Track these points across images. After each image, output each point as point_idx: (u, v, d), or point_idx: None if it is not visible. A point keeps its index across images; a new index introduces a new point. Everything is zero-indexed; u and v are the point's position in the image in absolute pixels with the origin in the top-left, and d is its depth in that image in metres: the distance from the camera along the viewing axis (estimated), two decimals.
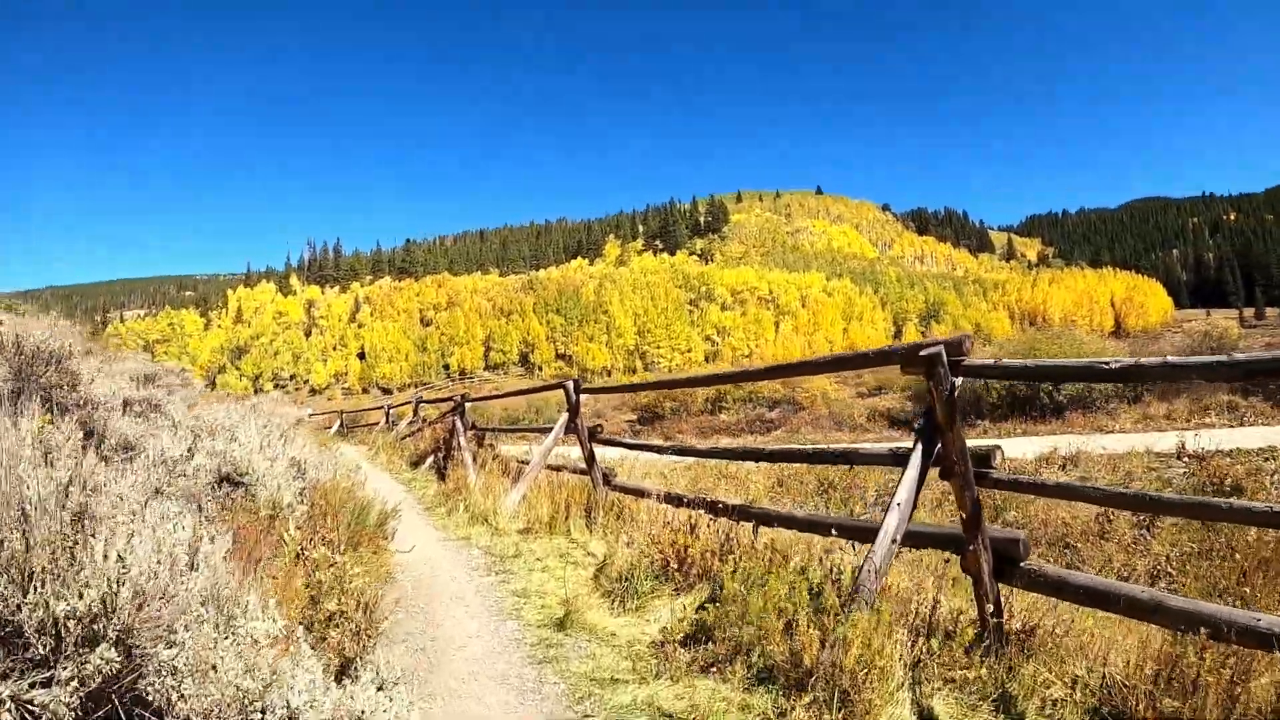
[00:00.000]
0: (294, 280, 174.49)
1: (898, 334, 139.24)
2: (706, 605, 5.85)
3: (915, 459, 5.27)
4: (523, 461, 14.11)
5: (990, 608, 5.02)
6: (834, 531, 6.43)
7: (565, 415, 10.78)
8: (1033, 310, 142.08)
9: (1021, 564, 5.07)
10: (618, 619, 6.30)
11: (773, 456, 7.38)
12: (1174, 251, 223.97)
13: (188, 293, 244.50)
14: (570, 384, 10.69)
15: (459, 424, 15.08)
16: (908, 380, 44.01)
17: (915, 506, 5.31)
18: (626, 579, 6.72)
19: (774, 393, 51.07)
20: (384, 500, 9.22)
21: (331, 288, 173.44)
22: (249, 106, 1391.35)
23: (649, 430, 49.66)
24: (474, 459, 13.76)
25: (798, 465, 16.47)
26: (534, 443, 20.72)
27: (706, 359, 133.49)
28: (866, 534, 5.88)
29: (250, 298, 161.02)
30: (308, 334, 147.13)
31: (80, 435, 5.61)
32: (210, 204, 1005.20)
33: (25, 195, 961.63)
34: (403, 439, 21.68)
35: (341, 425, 36.30)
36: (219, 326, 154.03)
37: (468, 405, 15.91)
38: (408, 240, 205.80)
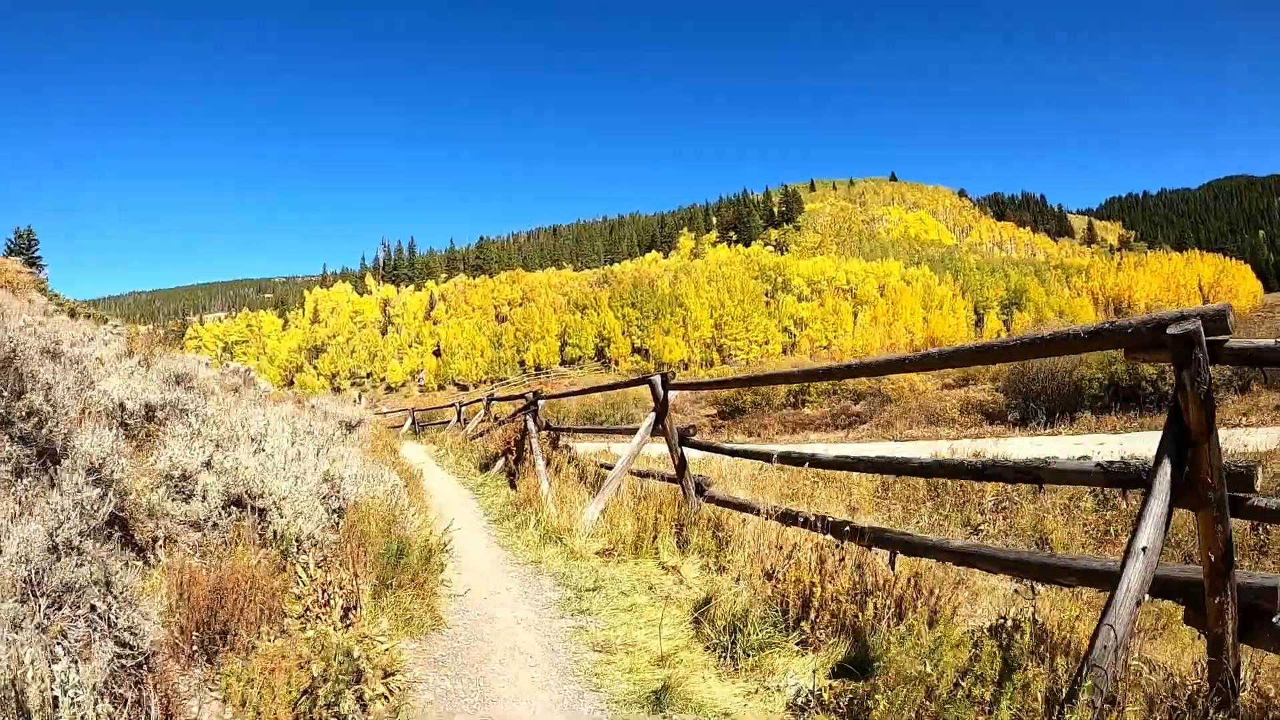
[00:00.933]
0: (369, 280, 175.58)
1: (979, 322, 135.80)
2: (845, 671, 4.40)
3: (1161, 481, 3.66)
4: (603, 465, 12.64)
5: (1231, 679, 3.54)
6: (1006, 570, 4.84)
7: (652, 415, 9.21)
8: (1117, 296, 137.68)
9: (1274, 619, 3.57)
10: (729, 686, 4.78)
11: (927, 470, 5.63)
12: (1260, 232, 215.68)
13: (266, 295, 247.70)
14: (658, 379, 9.11)
15: (530, 424, 13.60)
16: (996, 370, 41.51)
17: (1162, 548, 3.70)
18: (736, 627, 5.22)
19: (858, 385, 49.05)
20: (441, 518, 7.80)
21: (406, 286, 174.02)
22: (322, 108, 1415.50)
23: (730, 425, 48.05)
24: (547, 463, 12.26)
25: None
26: (614, 442, 19.22)
27: (784, 351, 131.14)
28: (1048, 573, 4.47)
29: (326, 298, 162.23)
30: (383, 332, 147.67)
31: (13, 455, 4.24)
32: (287, 207, 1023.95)
33: (106, 201, 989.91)
34: (472, 439, 20.36)
35: (413, 424, 35.29)
36: (296, 327, 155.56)
37: (541, 403, 14.46)
38: (481, 238, 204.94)
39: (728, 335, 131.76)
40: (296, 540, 5.57)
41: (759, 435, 38.60)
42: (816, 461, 6.92)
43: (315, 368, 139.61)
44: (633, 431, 9.94)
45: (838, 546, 5.94)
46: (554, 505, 9.65)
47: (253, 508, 5.83)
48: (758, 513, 7.21)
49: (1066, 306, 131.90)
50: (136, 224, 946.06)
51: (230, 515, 5.75)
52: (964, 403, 42.63)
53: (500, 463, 15.20)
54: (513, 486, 13.06)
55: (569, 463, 12.66)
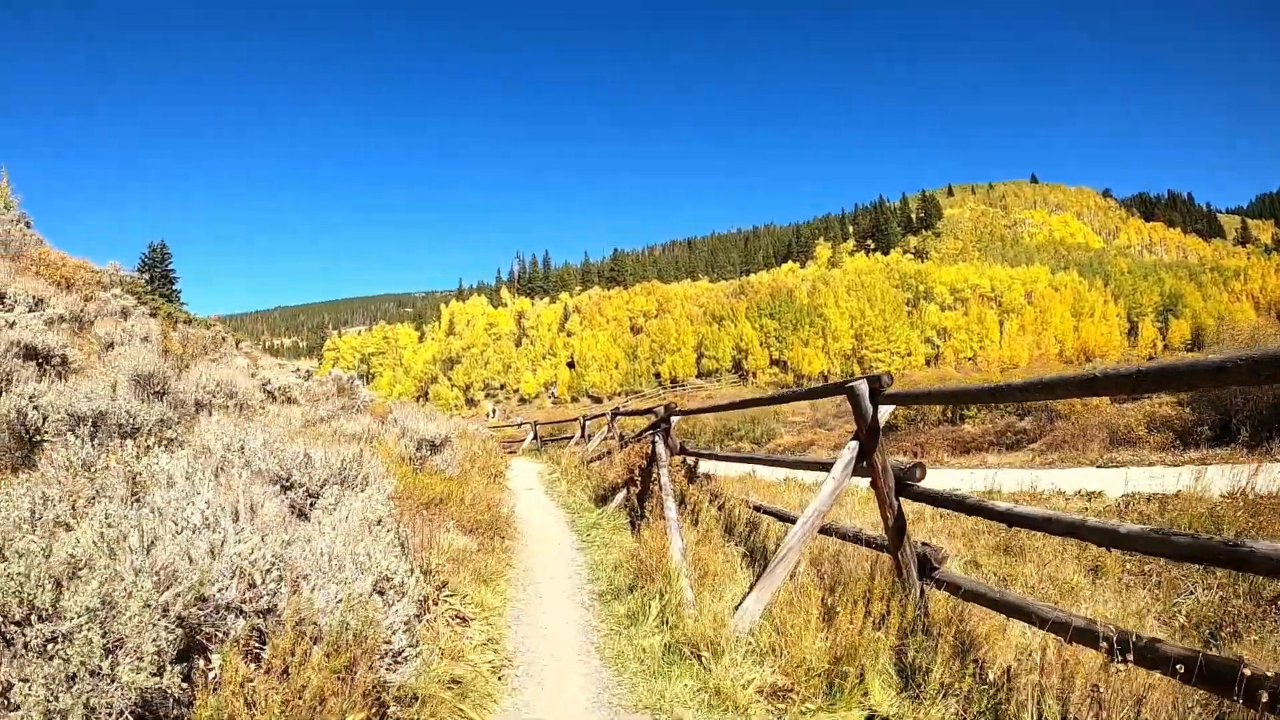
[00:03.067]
0: (504, 293, 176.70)
1: (1132, 330, 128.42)
2: None
3: None
4: (758, 508, 9.04)
5: None
6: None
7: (853, 445, 5.56)
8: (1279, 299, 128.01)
9: None
10: None
11: None
12: None
13: (406, 309, 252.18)
14: (863, 386, 5.46)
15: (660, 448, 10.07)
16: None
17: None
18: None
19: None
20: (524, 583, 4.45)
21: (541, 299, 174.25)
22: (464, 128, 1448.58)
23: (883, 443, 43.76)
24: (680, 503, 8.74)
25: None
26: (769, 468, 15.53)
27: (927, 363, 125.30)
28: None
29: (462, 311, 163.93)
30: (518, 344, 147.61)
31: None
32: (428, 224, 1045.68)
33: (260, 220, 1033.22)
34: (589, 462, 16.99)
35: (535, 438, 32.37)
36: (432, 339, 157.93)
37: (674, 419, 10.98)
38: (615, 250, 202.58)
39: (868, 346, 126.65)
40: None
41: (923, 456, 34.38)
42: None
43: (449, 379, 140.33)
44: (814, 466, 6.36)
45: None
46: (689, 581, 6.16)
47: None
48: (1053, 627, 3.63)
49: (1226, 312, 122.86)
50: (287, 242, 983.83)
51: None
52: (1149, 418, 37.40)
53: (620, 496, 11.82)
54: (634, 530, 9.66)
55: (710, 501, 9.11)
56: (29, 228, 22.47)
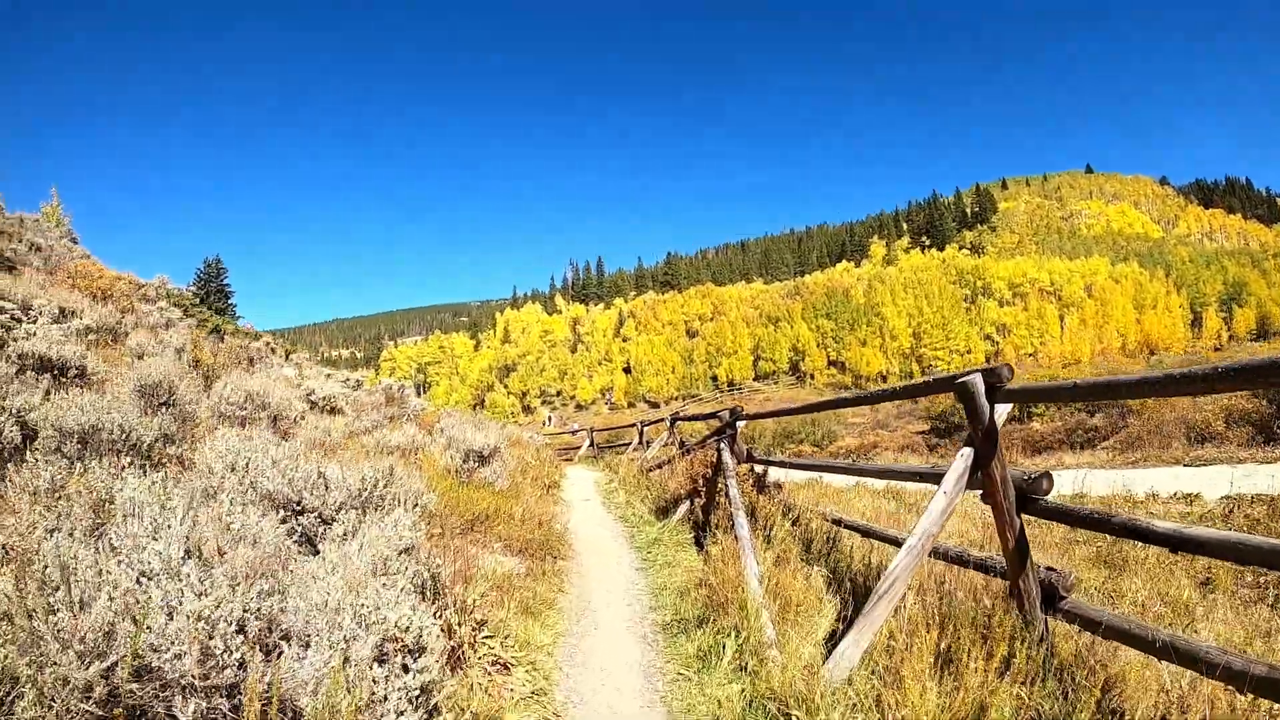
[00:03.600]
0: (559, 300, 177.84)
1: (1195, 321, 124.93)
2: None
3: None
4: (835, 521, 8.12)
5: None
6: None
7: (968, 453, 4.58)
8: None
9: None
10: None
11: None
12: None
13: (462, 319, 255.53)
14: (978, 381, 4.50)
15: (726, 455, 9.19)
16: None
17: None
18: None
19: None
20: (578, 610, 3.72)
21: (596, 304, 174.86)
22: (517, 139, 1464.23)
23: (948, 446, 42.35)
24: (751, 516, 7.83)
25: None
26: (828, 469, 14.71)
27: (987, 360, 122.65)
28: None
29: (517, 319, 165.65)
30: (573, 350, 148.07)
31: None
32: (483, 234, 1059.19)
33: (318, 235, 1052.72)
34: (648, 471, 16.13)
35: (592, 445, 31.56)
36: (488, 347, 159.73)
37: (740, 425, 10.09)
38: (669, 254, 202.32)
39: (927, 345, 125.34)
40: None
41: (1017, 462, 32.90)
42: None
43: (505, 386, 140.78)
44: (912, 476, 5.45)
45: None
46: (769, 615, 5.27)
47: None
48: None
49: None
50: (345, 256, 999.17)
51: None
52: (1226, 411, 35.43)
53: (683, 508, 10.93)
54: (699, 545, 8.81)
55: (783, 515, 8.17)
56: (74, 243, 22.23)
